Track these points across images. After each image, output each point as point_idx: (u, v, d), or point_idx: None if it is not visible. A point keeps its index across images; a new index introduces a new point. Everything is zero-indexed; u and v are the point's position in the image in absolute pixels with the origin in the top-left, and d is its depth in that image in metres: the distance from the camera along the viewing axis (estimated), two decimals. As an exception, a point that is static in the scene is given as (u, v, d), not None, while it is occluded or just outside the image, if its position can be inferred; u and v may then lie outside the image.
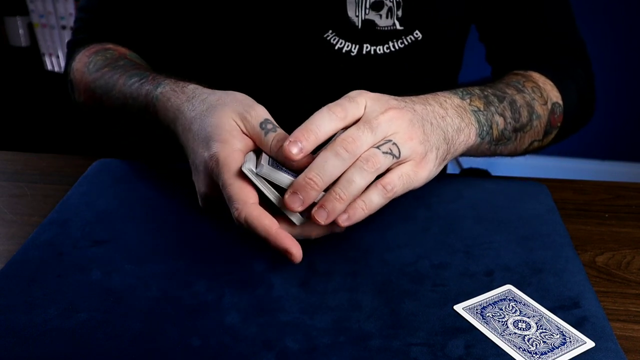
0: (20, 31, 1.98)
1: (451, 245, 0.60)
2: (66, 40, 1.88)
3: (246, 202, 0.49)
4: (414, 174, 0.54)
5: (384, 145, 0.51)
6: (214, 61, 0.80)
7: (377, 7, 0.72)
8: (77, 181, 0.70)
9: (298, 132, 0.50)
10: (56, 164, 0.79)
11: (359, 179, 0.49)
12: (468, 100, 0.62)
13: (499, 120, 0.64)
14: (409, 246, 0.59)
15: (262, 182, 0.51)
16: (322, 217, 0.49)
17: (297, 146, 0.49)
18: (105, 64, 0.74)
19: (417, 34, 0.74)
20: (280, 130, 0.53)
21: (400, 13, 0.73)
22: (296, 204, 0.49)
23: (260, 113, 0.54)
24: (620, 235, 0.65)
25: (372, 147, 0.51)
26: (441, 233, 0.62)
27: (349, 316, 0.50)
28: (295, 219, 0.52)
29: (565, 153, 2.19)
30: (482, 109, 0.62)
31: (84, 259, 0.57)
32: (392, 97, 0.56)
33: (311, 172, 0.49)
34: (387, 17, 0.73)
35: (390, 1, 0.72)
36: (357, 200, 0.51)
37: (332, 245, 0.60)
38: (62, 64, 1.96)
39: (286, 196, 0.49)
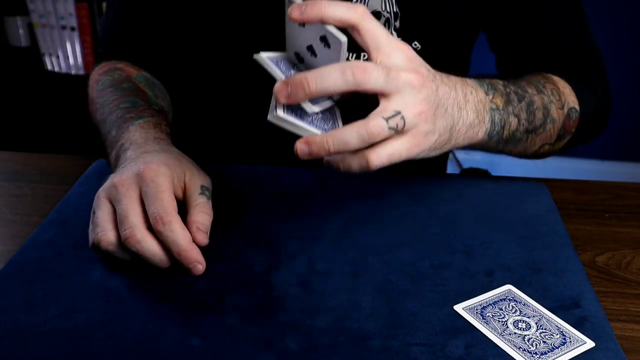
0: (20, 31, 1.97)
1: (451, 245, 0.60)
2: (66, 41, 1.89)
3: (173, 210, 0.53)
4: (406, 151, 0.52)
5: (392, 118, 0.49)
6: (220, 68, 0.81)
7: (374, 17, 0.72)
8: (77, 181, 0.70)
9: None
10: (56, 164, 0.79)
11: (354, 144, 0.49)
12: (491, 96, 0.61)
13: (513, 121, 0.64)
14: (409, 246, 0.59)
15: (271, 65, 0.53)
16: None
17: (299, 8, 0.48)
18: (110, 84, 0.75)
19: (415, 44, 0.74)
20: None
21: (397, 24, 0.72)
22: (281, 94, 0.48)
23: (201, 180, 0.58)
24: (620, 235, 0.65)
25: (377, 115, 0.49)
26: (441, 233, 0.62)
27: (349, 316, 0.50)
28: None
29: (565, 153, 2.18)
30: (501, 107, 0.62)
31: (84, 259, 0.57)
32: (427, 66, 0.54)
33: (310, 75, 0.47)
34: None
35: (387, 12, 0.71)
36: (338, 160, 0.51)
37: (332, 245, 0.60)
38: (62, 64, 1.96)
39: (277, 85, 0.49)
